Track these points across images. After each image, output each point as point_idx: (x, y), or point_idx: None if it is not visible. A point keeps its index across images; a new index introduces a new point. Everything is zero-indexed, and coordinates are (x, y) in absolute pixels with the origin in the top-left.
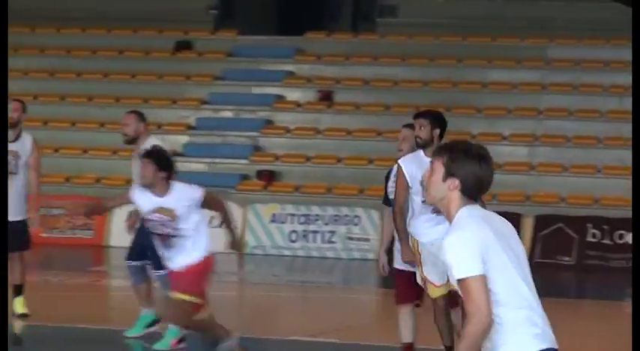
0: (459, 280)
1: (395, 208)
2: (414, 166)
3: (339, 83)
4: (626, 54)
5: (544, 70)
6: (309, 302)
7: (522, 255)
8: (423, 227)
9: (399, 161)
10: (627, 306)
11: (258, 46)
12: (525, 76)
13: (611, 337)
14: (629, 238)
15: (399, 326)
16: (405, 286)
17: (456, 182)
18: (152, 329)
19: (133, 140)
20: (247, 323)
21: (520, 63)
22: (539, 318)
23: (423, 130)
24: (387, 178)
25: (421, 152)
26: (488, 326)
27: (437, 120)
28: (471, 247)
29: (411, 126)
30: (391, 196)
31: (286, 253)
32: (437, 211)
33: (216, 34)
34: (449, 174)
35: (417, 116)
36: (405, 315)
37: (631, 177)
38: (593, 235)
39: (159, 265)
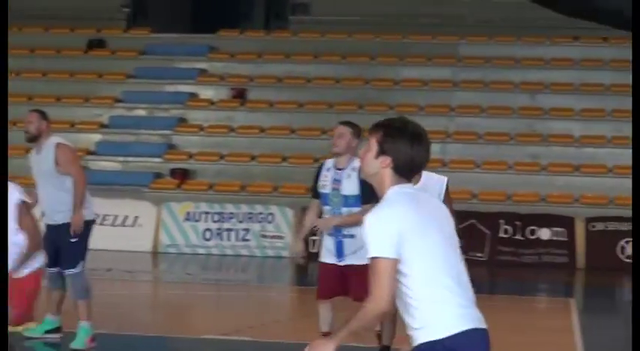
0: (370, 259)
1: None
2: None
3: (253, 81)
4: (537, 51)
5: (455, 68)
6: (223, 300)
7: (453, 238)
8: None
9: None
10: (539, 300)
11: (171, 44)
12: (437, 73)
13: (524, 330)
14: (540, 233)
15: (319, 318)
16: (325, 282)
17: (388, 160)
18: (51, 336)
19: (35, 138)
20: (161, 322)
21: (431, 60)
22: (464, 299)
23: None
24: (319, 172)
25: None
26: (385, 309)
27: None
28: (389, 228)
29: (347, 123)
30: (322, 190)
31: (200, 251)
32: None
33: (129, 32)
34: (381, 151)
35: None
36: (323, 309)
37: (574, 175)
38: (505, 231)
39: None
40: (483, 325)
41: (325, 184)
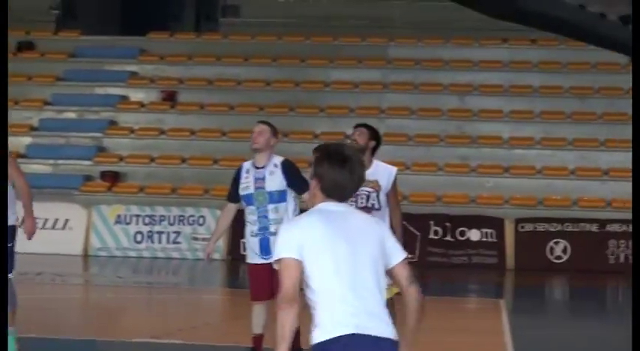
0: (275, 261)
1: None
2: None
3: (183, 83)
4: (465, 53)
5: (385, 69)
6: (154, 303)
7: (367, 254)
8: None
9: None
10: (469, 301)
11: (101, 46)
12: (367, 75)
13: (454, 332)
14: (470, 234)
15: (252, 320)
16: (256, 283)
17: (316, 181)
18: None
19: None
20: (92, 326)
21: (362, 62)
22: (354, 308)
23: (362, 136)
24: (238, 175)
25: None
26: (293, 305)
27: (375, 134)
28: (292, 235)
29: (264, 122)
30: (244, 192)
31: (131, 254)
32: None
33: (58, 35)
34: (313, 173)
35: (359, 126)
36: (256, 311)
37: (504, 176)
38: (436, 233)
39: None
40: (372, 333)
41: (248, 185)
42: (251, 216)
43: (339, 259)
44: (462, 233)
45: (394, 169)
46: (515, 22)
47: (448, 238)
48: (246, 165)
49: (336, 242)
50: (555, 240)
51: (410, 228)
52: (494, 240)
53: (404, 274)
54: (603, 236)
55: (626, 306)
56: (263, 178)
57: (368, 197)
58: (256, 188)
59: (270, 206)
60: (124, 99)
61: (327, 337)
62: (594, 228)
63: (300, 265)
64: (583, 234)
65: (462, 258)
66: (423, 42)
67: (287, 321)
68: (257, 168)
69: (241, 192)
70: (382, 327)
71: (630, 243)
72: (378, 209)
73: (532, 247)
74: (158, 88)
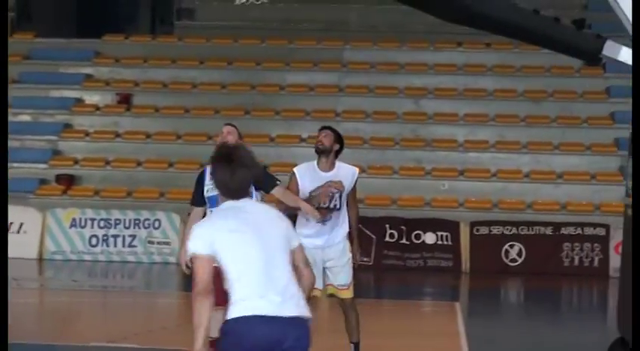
0: (191, 258)
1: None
2: (307, 178)
3: (138, 86)
4: (420, 56)
5: (340, 73)
6: (109, 307)
7: (273, 241)
8: (306, 234)
9: (295, 169)
10: (425, 304)
11: (56, 48)
12: (322, 78)
13: (410, 335)
14: (425, 237)
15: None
16: (216, 288)
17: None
18: None
19: None
20: (47, 330)
21: (317, 65)
22: (262, 291)
23: (327, 138)
24: (202, 179)
25: (315, 165)
26: (208, 297)
27: (340, 138)
28: (203, 233)
29: (233, 124)
30: (210, 194)
31: (87, 258)
32: (323, 220)
33: (12, 37)
34: (211, 176)
35: (324, 128)
36: (216, 314)
37: (459, 179)
38: (391, 236)
39: None
40: (284, 313)
41: (213, 187)
42: None
43: (249, 249)
44: (418, 236)
45: (356, 170)
46: (470, 27)
47: (404, 241)
48: (210, 168)
49: (244, 234)
50: (510, 243)
51: (365, 231)
52: (450, 243)
53: (300, 257)
54: (558, 239)
55: (581, 308)
56: None
57: (332, 198)
58: None
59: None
60: (79, 102)
61: (238, 315)
62: (549, 231)
63: (212, 260)
64: (538, 237)
65: (418, 261)
66: (378, 45)
67: (204, 310)
68: None
69: (206, 194)
70: (293, 307)
71: (585, 246)
72: (339, 209)
73: (487, 250)
74: (113, 90)
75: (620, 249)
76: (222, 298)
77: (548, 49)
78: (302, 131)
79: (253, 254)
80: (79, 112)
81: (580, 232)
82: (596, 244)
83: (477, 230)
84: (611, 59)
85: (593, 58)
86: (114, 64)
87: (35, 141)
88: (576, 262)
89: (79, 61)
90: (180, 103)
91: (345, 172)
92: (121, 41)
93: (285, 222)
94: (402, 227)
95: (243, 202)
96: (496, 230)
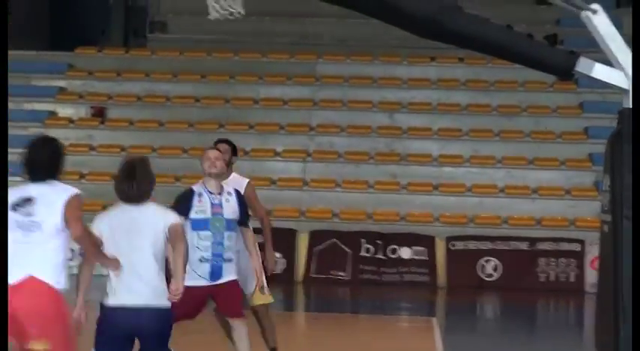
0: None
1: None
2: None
3: (112, 99)
4: (394, 70)
5: (314, 86)
6: (91, 321)
7: (141, 237)
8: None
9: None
10: (401, 320)
11: (29, 61)
12: (296, 92)
13: (387, 350)
14: (401, 252)
15: None
16: (186, 306)
17: None
18: None
19: None
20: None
21: (291, 79)
22: (129, 282)
23: (226, 154)
24: (191, 199)
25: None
26: (90, 261)
27: (235, 149)
28: (99, 222)
29: (225, 141)
30: (199, 216)
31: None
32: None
33: None
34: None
35: (220, 141)
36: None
37: (433, 194)
38: (367, 250)
39: None
40: (141, 302)
41: (204, 209)
42: (206, 242)
43: (120, 244)
44: (394, 251)
45: (245, 181)
46: (443, 42)
47: (379, 255)
48: (198, 188)
49: (118, 232)
50: (486, 258)
51: (341, 245)
52: (426, 258)
53: (178, 231)
54: (533, 254)
55: (557, 323)
56: (220, 204)
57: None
58: (214, 214)
59: (227, 233)
60: (52, 115)
61: (109, 304)
62: (524, 246)
63: (100, 240)
64: (513, 252)
65: (394, 276)
66: (352, 59)
67: (86, 273)
68: (211, 193)
69: (194, 216)
70: (150, 297)
71: (560, 261)
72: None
73: (463, 265)
74: (87, 103)
75: (596, 264)
76: (183, 315)
77: (521, 64)
78: (276, 145)
79: (123, 249)
80: (52, 126)
81: (556, 247)
82: (571, 260)
83: (453, 245)
84: (584, 76)
85: (565, 73)
86: (87, 77)
87: (9, 154)
88: (552, 277)
89: (52, 74)
90: (154, 116)
91: (233, 183)
92: (94, 54)
93: (165, 220)
94: (378, 242)
95: (131, 207)
96: (472, 245)
